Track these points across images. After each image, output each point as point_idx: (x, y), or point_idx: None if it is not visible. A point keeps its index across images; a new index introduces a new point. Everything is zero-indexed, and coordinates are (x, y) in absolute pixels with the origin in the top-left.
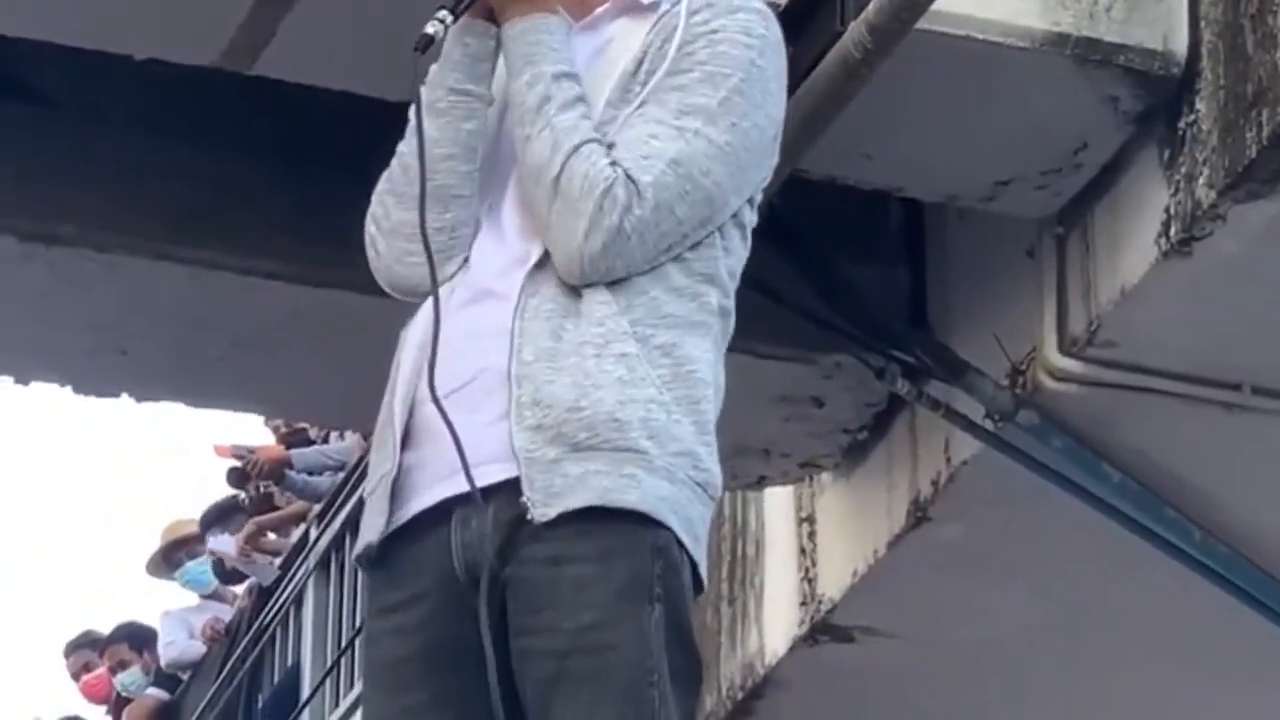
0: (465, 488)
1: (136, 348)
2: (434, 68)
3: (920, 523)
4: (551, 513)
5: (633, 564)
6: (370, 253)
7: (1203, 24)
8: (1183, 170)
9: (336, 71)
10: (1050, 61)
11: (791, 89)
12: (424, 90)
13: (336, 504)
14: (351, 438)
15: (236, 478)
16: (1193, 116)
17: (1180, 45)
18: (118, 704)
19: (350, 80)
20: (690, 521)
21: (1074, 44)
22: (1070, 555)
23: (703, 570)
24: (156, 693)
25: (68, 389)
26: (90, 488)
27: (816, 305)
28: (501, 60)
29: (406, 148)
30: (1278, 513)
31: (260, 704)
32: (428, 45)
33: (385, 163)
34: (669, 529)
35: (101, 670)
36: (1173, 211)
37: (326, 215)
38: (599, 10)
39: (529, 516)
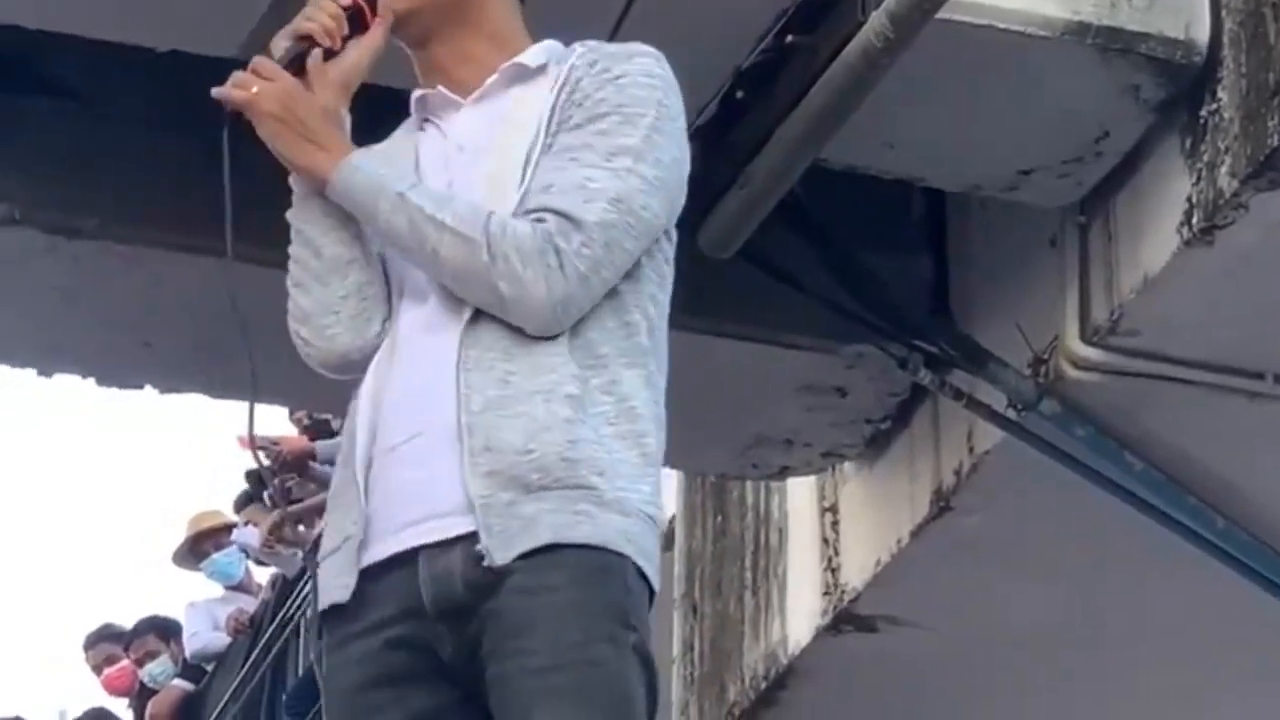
0: (431, 538)
1: (160, 340)
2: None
3: (943, 512)
4: (510, 555)
5: (608, 592)
6: (300, 348)
7: (1224, 12)
8: (1205, 159)
9: None
10: (1072, 50)
11: (812, 80)
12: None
13: None
14: None
15: (254, 482)
16: (1214, 105)
17: (1202, 34)
18: (141, 696)
19: (374, 72)
20: (646, 551)
21: (1095, 33)
22: (1093, 544)
23: (655, 591)
24: (181, 684)
25: (90, 381)
26: (114, 480)
27: (839, 295)
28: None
29: (292, 243)
30: None
31: (284, 695)
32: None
33: None
34: (628, 558)
35: (124, 663)
36: (1195, 200)
37: None
38: (488, 82)
39: (485, 562)
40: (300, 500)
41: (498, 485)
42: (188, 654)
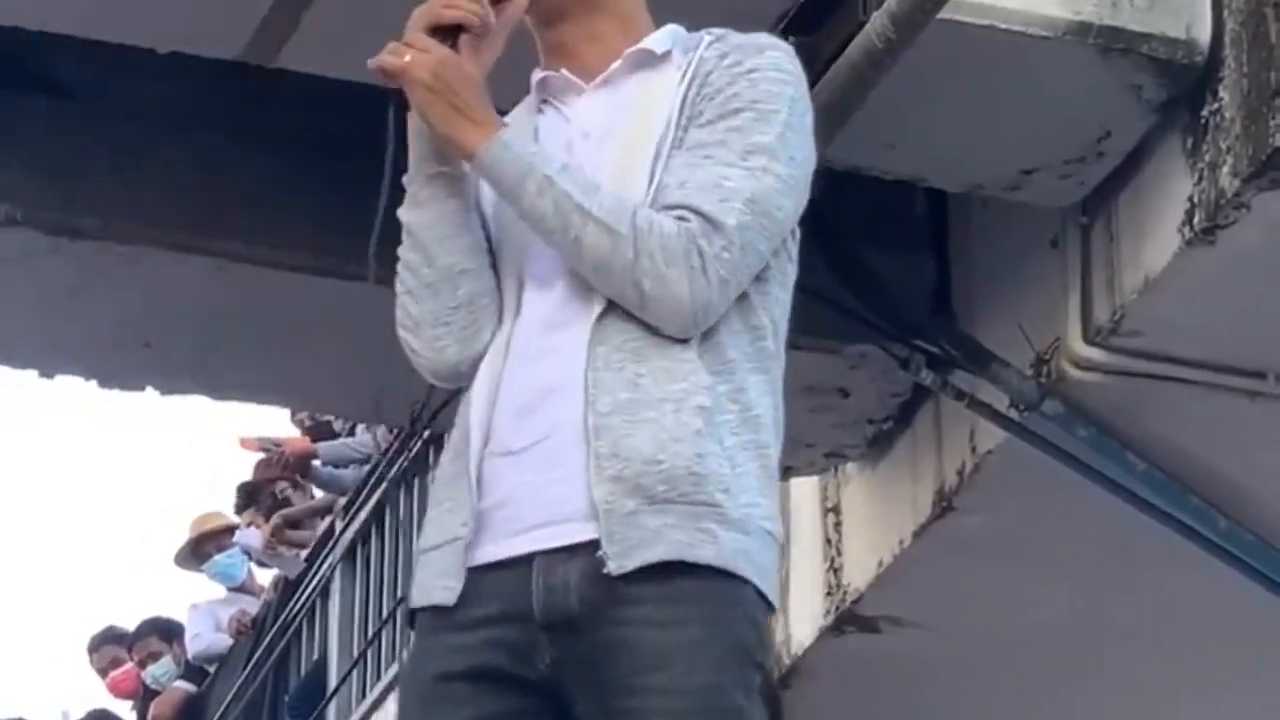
0: (548, 544)
1: (161, 341)
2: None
3: (945, 513)
4: (629, 565)
5: (736, 631)
6: (409, 354)
7: (1226, 12)
8: (1206, 159)
9: (359, 64)
10: (1073, 50)
11: (814, 79)
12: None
13: (362, 497)
14: (377, 430)
15: (246, 494)
16: (1216, 105)
17: (1203, 33)
18: (145, 698)
19: (372, 73)
20: (765, 569)
21: (1097, 33)
22: (1096, 544)
23: (775, 609)
24: (183, 685)
25: (92, 383)
26: (116, 481)
27: (841, 295)
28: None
29: (404, 245)
30: None
31: (287, 696)
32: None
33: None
34: (750, 582)
35: (129, 666)
36: (1196, 200)
37: (351, 208)
38: (613, 67)
39: (606, 569)
40: (292, 505)
41: (622, 492)
42: (190, 655)
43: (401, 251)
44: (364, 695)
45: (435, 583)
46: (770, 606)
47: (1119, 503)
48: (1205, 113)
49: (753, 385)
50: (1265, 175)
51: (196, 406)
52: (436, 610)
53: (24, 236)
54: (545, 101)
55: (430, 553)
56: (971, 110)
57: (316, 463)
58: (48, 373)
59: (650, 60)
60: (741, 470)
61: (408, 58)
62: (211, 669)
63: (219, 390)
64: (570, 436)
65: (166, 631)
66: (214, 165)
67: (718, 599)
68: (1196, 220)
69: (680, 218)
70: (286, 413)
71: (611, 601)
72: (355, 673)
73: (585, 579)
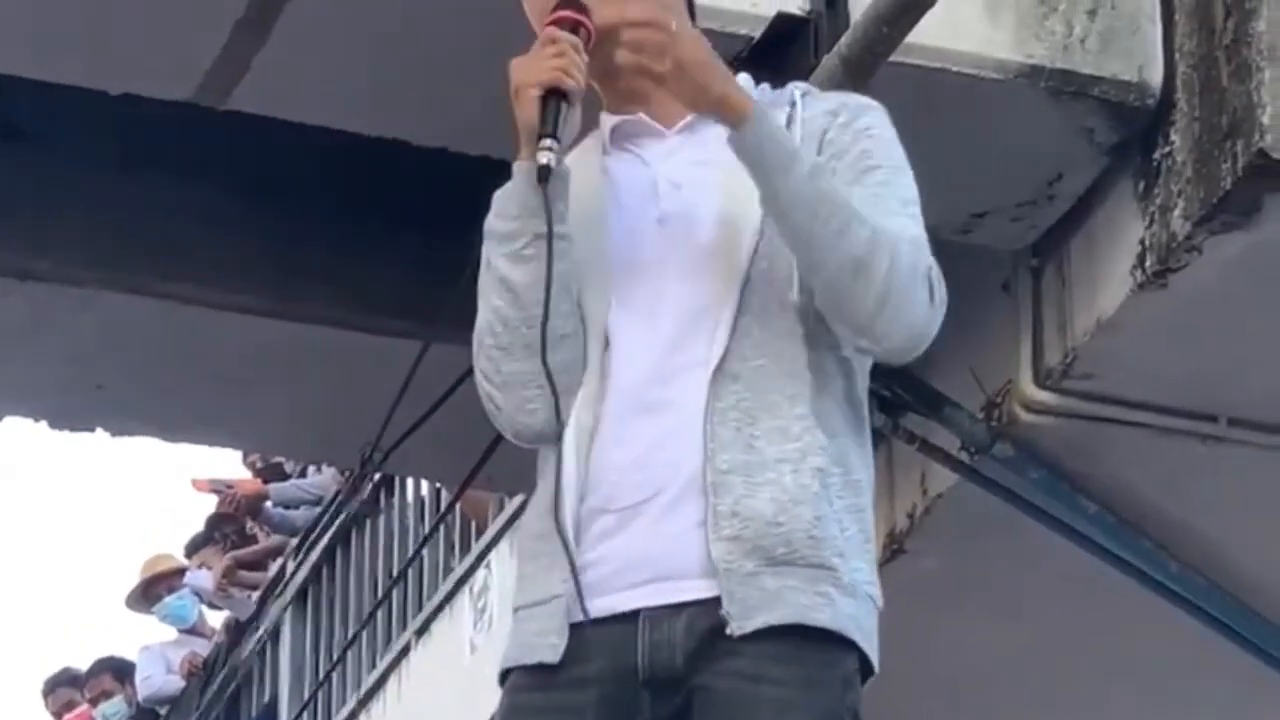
0: (656, 601)
1: (112, 382)
2: (496, 217)
3: (896, 555)
4: (749, 627)
5: (829, 694)
6: (489, 407)
7: (1177, 56)
8: (1158, 202)
9: (310, 106)
10: (1025, 93)
11: None
12: (497, 237)
13: (313, 537)
14: (327, 471)
15: (215, 520)
16: (1168, 148)
17: (1155, 77)
18: None
19: (324, 115)
20: (870, 634)
21: (1048, 76)
22: (1047, 586)
23: (875, 672)
24: None
25: (43, 424)
26: (67, 523)
27: None
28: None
29: (501, 300)
30: (1254, 545)
31: None
32: (547, 175)
33: (360, 197)
34: (858, 647)
35: (83, 708)
36: (1148, 243)
37: (302, 249)
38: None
39: (728, 631)
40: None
41: (741, 552)
42: (141, 698)
43: (498, 306)
44: None
45: (538, 640)
46: (870, 670)
47: (1071, 546)
48: (1157, 156)
49: (853, 450)
50: (1216, 218)
51: (148, 447)
52: (536, 669)
53: None
54: (617, 146)
55: (529, 609)
56: (923, 153)
57: (268, 504)
58: None
59: None
60: (849, 534)
61: (674, 26)
62: (163, 711)
63: (170, 431)
64: (683, 492)
65: (119, 671)
66: (166, 207)
67: (820, 661)
68: (1148, 263)
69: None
70: (238, 454)
71: (712, 655)
72: (305, 715)
73: (691, 635)
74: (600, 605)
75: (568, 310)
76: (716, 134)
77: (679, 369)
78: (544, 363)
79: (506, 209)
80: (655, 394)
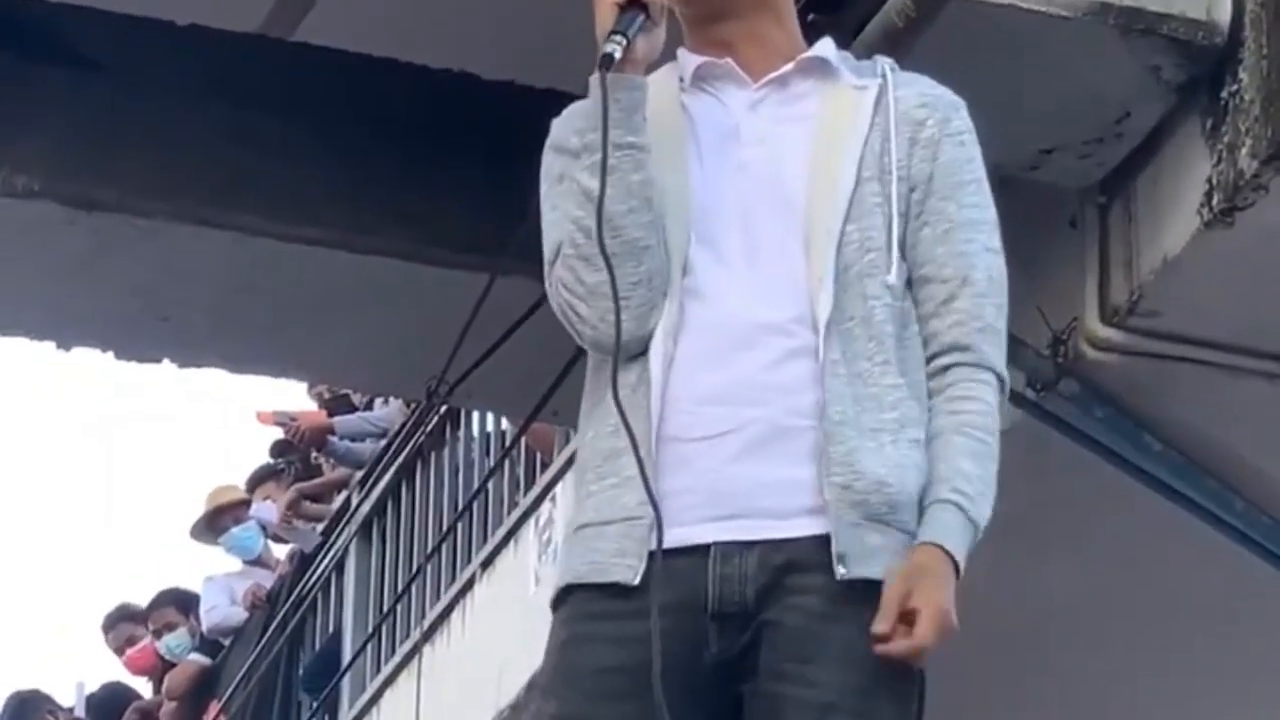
0: (737, 536)
1: (178, 314)
2: (572, 132)
3: None
4: (851, 575)
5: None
6: (569, 317)
7: None
8: (1225, 140)
9: (377, 38)
10: (1093, 31)
11: None
12: (572, 151)
13: (378, 471)
14: (394, 404)
15: (279, 448)
16: (1235, 86)
17: (1224, 15)
18: (162, 672)
19: (391, 47)
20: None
21: (1117, 13)
22: (1112, 525)
23: None
24: (198, 658)
25: (109, 355)
26: (135, 456)
27: None
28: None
29: (582, 210)
30: None
31: (301, 670)
32: (609, 64)
33: (426, 130)
34: None
35: (146, 643)
36: (1215, 181)
37: (369, 182)
38: (784, 69)
39: (840, 572)
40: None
41: (846, 503)
42: (205, 628)
43: (579, 216)
44: (378, 670)
45: (613, 561)
46: None
47: (1135, 484)
48: (1225, 94)
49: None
50: None
51: (214, 379)
52: (605, 589)
53: (41, 208)
54: (696, 86)
55: (598, 528)
56: (991, 90)
57: (333, 437)
58: (64, 344)
59: (825, 70)
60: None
61: None
62: (226, 642)
63: (236, 363)
64: (774, 433)
65: (183, 603)
66: (232, 138)
67: None
68: (1215, 201)
69: (979, 379)
70: (304, 386)
71: (784, 591)
72: (369, 647)
73: (764, 570)
74: (674, 536)
75: (649, 221)
76: (804, 91)
77: (767, 314)
78: (606, 262)
79: (581, 122)
80: (741, 336)
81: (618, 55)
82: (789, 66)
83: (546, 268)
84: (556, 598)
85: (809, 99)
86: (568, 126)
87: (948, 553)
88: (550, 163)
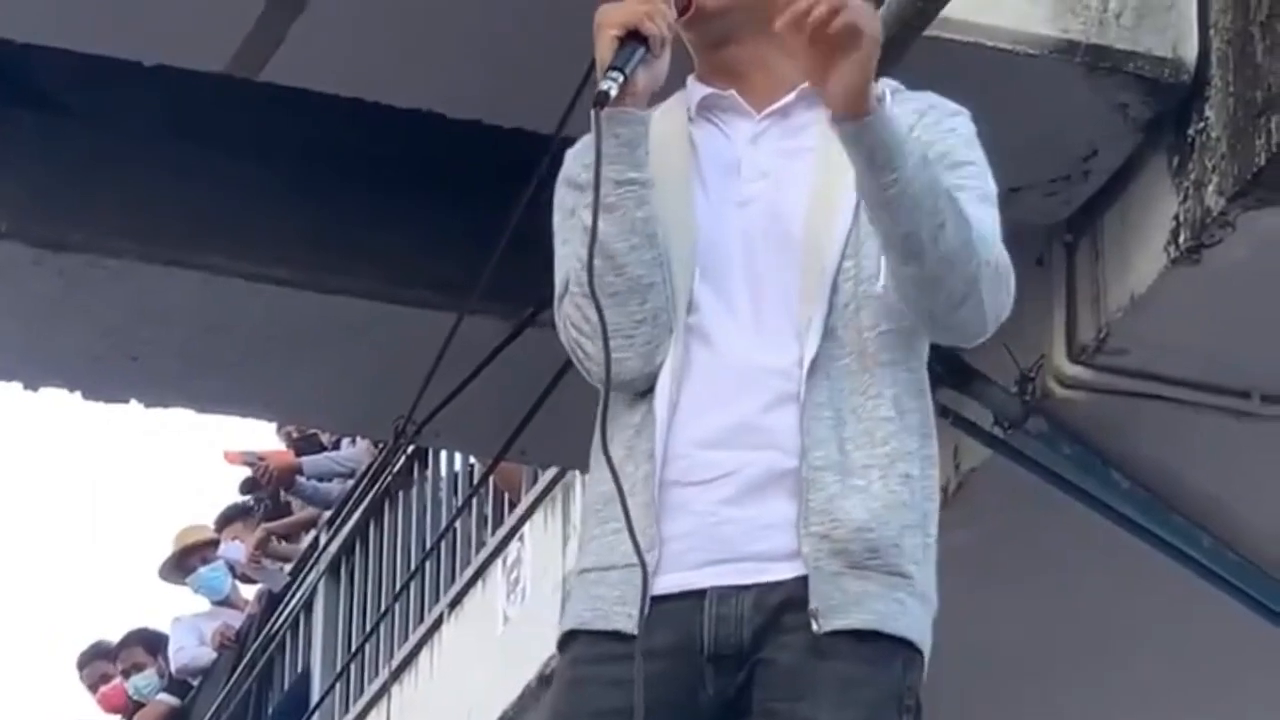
0: (726, 580)
1: (146, 354)
2: (581, 167)
3: None
4: (829, 626)
5: (892, 677)
6: (578, 355)
7: (1212, 31)
8: (1192, 177)
9: (344, 78)
10: (1060, 69)
11: None
12: (579, 186)
13: (346, 510)
14: (361, 444)
15: (248, 486)
16: (1202, 124)
17: (1190, 52)
18: (132, 711)
19: (357, 87)
20: (928, 633)
21: (1084, 51)
22: (1079, 562)
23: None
24: (167, 698)
25: (77, 395)
26: (102, 494)
27: None
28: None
29: (586, 249)
30: None
31: (270, 710)
32: (604, 101)
33: (394, 169)
34: (920, 651)
35: (118, 681)
36: (1182, 219)
37: (337, 222)
38: (787, 99)
39: (814, 628)
40: (289, 515)
41: (827, 551)
42: (173, 669)
43: (583, 257)
44: (347, 710)
45: (614, 609)
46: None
47: (1103, 520)
48: (1191, 131)
49: (926, 453)
50: (1251, 194)
51: (182, 419)
52: (605, 636)
53: (9, 249)
54: (702, 116)
55: (599, 573)
56: None
57: (301, 477)
58: (33, 385)
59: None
60: (917, 542)
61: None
62: (195, 682)
63: (204, 403)
64: (767, 480)
65: (151, 643)
66: (200, 179)
67: (884, 651)
68: (1182, 239)
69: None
70: (272, 426)
71: (779, 630)
72: (338, 687)
73: (760, 611)
74: (670, 582)
75: (652, 258)
76: (806, 123)
77: (766, 358)
78: (596, 307)
79: (589, 156)
80: (741, 379)
81: (614, 92)
82: (790, 97)
83: (556, 303)
84: (562, 641)
85: (811, 130)
86: (578, 161)
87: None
88: (563, 196)
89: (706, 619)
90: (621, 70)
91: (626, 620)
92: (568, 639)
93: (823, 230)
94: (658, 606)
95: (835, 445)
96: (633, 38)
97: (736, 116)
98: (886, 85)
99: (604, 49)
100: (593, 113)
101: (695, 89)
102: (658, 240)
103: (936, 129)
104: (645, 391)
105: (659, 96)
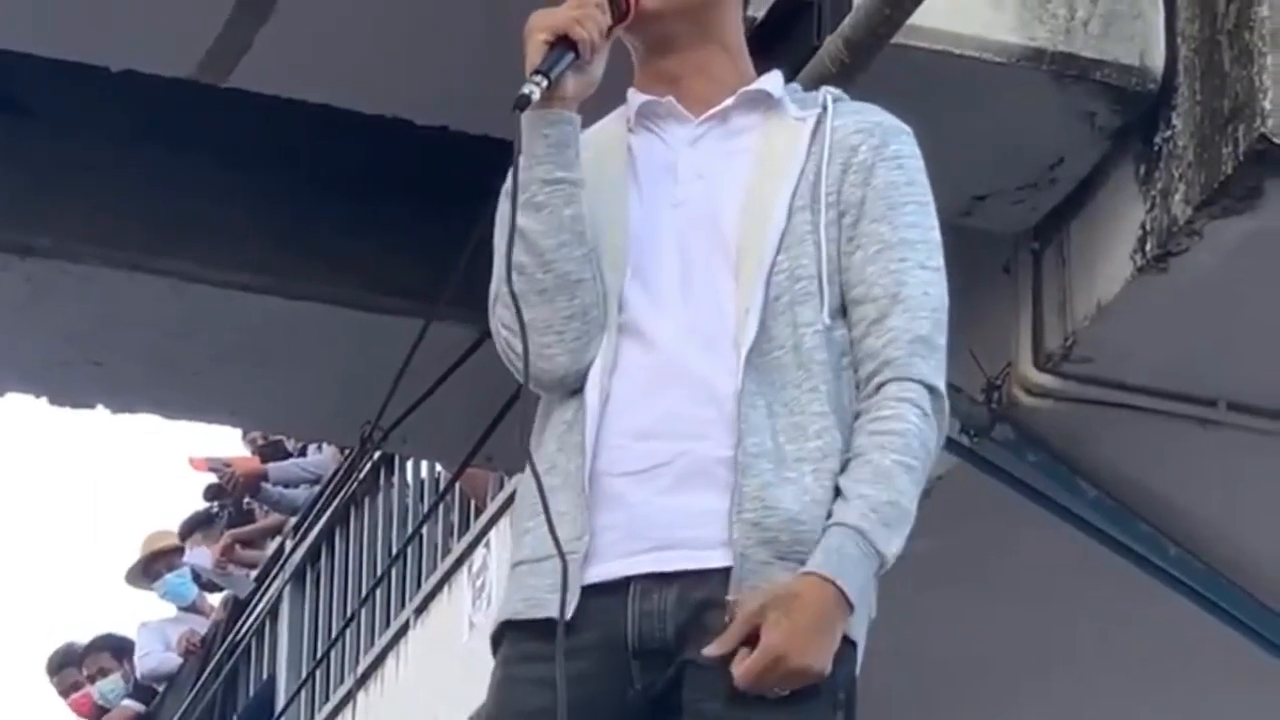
0: (654, 568)
1: (112, 359)
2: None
3: None
4: None
5: (830, 678)
6: (510, 355)
7: (1179, 40)
8: (1159, 186)
9: (311, 84)
10: (1027, 77)
11: None
12: (509, 190)
13: (312, 516)
14: (328, 450)
15: (213, 492)
16: (1169, 132)
17: (1157, 61)
18: (97, 716)
19: (324, 93)
20: (861, 624)
21: (1050, 59)
22: (1045, 569)
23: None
24: (132, 704)
25: (43, 400)
26: (68, 500)
27: None
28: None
29: (515, 248)
30: (1252, 529)
31: (235, 716)
32: (524, 105)
33: (361, 175)
34: (854, 643)
35: (89, 688)
36: (1149, 227)
37: (303, 228)
38: (725, 103)
39: (726, 617)
40: (254, 521)
41: (757, 540)
42: (139, 674)
43: (515, 256)
44: (312, 716)
45: (546, 596)
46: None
47: (1069, 528)
48: (1158, 140)
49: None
50: (1217, 203)
51: (148, 425)
52: (536, 627)
53: None
54: (644, 125)
55: (532, 564)
56: (925, 135)
57: (267, 483)
58: None
59: (766, 103)
60: None
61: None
62: (160, 688)
63: (170, 409)
64: (699, 466)
65: (117, 649)
66: (166, 184)
67: None
68: (1149, 247)
69: (905, 396)
70: (238, 432)
71: (703, 627)
72: (304, 693)
73: (683, 606)
74: (598, 571)
75: (581, 255)
76: (745, 126)
77: (700, 352)
78: (514, 301)
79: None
80: (683, 364)
81: (535, 96)
82: (729, 101)
83: (490, 310)
84: (494, 636)
85: (750, 133)
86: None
87: (838, 588)
88: (504, 210)
89: (630, 615)
90: (546, 74)
91: (560, 609)
92: (500, 634)
93: (757, 228)
94: (586, 601)
95: (769, 434)
96: (562, 42)
97: (674, 122)
98: (829, 93)
99: (532, 53)
100: (539, 134)
101: (634, 98)
102: (586, 239)
103: (881, 154)
104: (579, 389)
105: (598, 103)
